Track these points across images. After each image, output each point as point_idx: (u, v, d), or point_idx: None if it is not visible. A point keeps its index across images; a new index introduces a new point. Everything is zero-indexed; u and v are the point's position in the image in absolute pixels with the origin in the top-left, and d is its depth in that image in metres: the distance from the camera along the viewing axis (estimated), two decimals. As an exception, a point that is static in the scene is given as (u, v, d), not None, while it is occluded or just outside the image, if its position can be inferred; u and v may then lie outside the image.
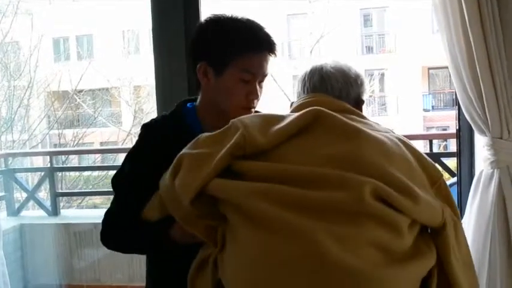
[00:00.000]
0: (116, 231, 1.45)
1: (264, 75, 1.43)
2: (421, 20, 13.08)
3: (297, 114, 1.20)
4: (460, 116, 2.14)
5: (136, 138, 1.50)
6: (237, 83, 1.40)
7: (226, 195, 1.13)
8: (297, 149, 1.15)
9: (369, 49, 16.35)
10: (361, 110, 1.38)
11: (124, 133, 12.63)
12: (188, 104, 1.53)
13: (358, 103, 1.40)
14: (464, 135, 2.18)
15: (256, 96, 1.43)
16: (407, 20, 14.48)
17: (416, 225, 1.14)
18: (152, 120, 1.53)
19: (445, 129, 13.58)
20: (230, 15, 1.44)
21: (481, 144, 1.97)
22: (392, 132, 1.28)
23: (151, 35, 2.24)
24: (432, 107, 16.58)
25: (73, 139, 11.25)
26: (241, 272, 1.10)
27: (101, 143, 13.08)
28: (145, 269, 1.57)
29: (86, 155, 11.24)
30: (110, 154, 11.39)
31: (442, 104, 16.38)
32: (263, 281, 1.06)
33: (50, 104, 11.49)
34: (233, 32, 1.40)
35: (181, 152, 1.21)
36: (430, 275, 1.15)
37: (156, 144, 1.42)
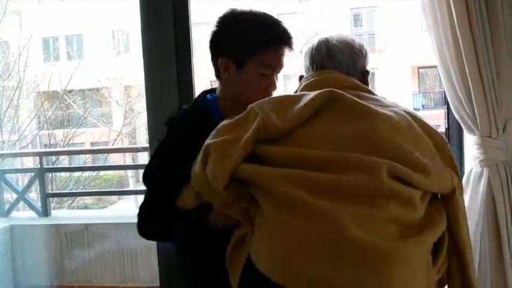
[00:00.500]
0: (154, 222, 1.50)
1: (281, 68, 1.51)
2: (411, 20, 13.13)
3: (311, 96, 1.27)
4: (449, 115, 2.15)
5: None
6: (257, 76, 1.48)
7: (255, 179, 1.20)
8: (314, 132, 1.23)
9: (359, 48, 16.40)
10: (367, 80, 1.48)
11: (115, 133, 12.59)
12: (208, 96, 1.61)
13: (364, 74, 1.48)
14: (454, 134, 2.20)
15: (275, 88, 1.51)
16: (397, 20, 14.53)
17: (428, 195, 1.22)
18: (176, 114, 1.58)
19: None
20: (248, 10, 1.49)
21: (470, 143, 1.98)
22: (398, 106, 1.36)
23: (141, 35, 2.24)
24: (422, 106, 16.63)
25: (63, 139, 11.19)
26: (268, 250, 1.18)
27: (92, 143, 13.02)
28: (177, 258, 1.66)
29: (77, 155, 11.20)
30: (100, 154, 11.35)
31: (432, 103, 16.43)
32: (290, 258, 1.14)
33: (40, 104, 11.41)
34: (253, 28, 1.46)
35: (206, 142, 1.27)
36: (441, 238, 1.24)
37: (183, 137, 1.48)
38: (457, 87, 1.88)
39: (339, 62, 1.42)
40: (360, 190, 1.14)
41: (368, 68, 1.49)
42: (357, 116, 1.24)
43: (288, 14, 15.54)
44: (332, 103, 1.26)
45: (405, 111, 1.32)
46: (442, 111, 2.30)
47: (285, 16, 15.79)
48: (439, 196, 1.29)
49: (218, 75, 1.55)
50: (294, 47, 1.50)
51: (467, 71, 1.83)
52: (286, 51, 1.49)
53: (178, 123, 1.54)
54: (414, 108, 16.14)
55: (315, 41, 1.48)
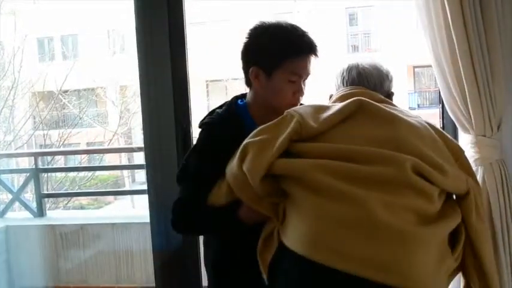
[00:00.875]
0: (187, 216, 1.65)
1: (308, 75, 1.64)
2: (407, 19, 13.16)
3: (342, 103, 1.44)
4: (444, 114, 2.16)
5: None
6: (285, 83, 1.60)
7: (290, 171, 1.34)
8: (343, 133, 1.39)
9: (355, 48, 16.40)
10: (392, 100, 1.61)
11: (110, 133, 12.57)
12: (239, 101, 1.72)
13: (389, 95, 1.63)
14: (448, 133, 2.19)
15: (302, 94, 1.64)
16: (393, 19, 14.55)
17: (443, 193, 1.38)
18: (210, 119, 1.70)
19: (430, 127, 13.66)
20: (276, 22, 1.63)
21: (465, 142, 1.99)
22: (420, 118, 1.50)
23: (136, 35, 2.24)
24: (418, 105, 16.66)
25: (59, 139, 11.17)
26: (303, 231, 1.30)
27: (87, 143, 13.00)
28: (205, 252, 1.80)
29: (72, 155, 11.18)
30: (96, 154, 11.33)
31: (427, 103, 16.46)
32: (325, 237, 1.26)
33: (35, 104, 11.38)
34: (281, 39, 1.59)
35: (245, 141, 1.42)
36: (458, 231, 1.39)
37: (218, 141, 1.60)
38: (451, 87, 1.89)
39: (368, 82, 1.59)
40: (384, 179, 1.29)
41: (393, 90, 1.66)
42: (382, 121, 1.41)
43: (283, 14, 15.57)
44: (361, 110, 1.42)
45: (427, 122, 1.47)
46: (437, 111, 2.31)
47: (279, 16, 15.77)
48: (454, 197, 1.44)
49: (248, 83, 1.67)
50: (319, 54, 1.63)
51: (461, 71, 1.83)
52: (312, 59, 1.62)
53: (214, 128, 1.66)
54: (410, 108, 16.17)
55: (345, 65, 1.65)
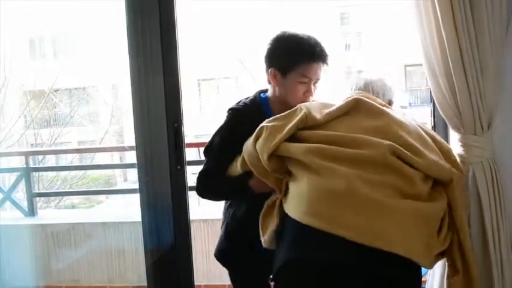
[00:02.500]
0: (209, 184, 1.98)
1: (318, 79, 1.93)
2: (398, 18, 13.19)
3: (343, 101, 1.77)
4: (435, 112, 2.17)
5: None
6: (297, 84, 1.90)
7: (290, 153, 1.65)
8: (342, 124, 1.70)
9: (347, 47, 16.44)
10: (391, 107, 1.91)
11: (102, 132, 12.53)
12: (262, 95, 2.03)
13: (390, 103, 1.93)
14: (439, 132, 2.21)
15: (311, 94, 1.93)
16: (384, 18, 14.59)
17: (430, 179, 1.61)
18: (237, 105, 2.01)
19: (422, 126, 13.70)
20: (295, 33, 1.93)
21: (456, 141, 2.00)
22: (414, 120, 1.78)
23: (127, 34, 2.23)
24: (409, 103, 16.72)
25: (50, 138, 11.11)
26: (301, 201, 1.59)
27: (79, 142, 12.94)
28: (225, 216, 2.09)
29: (64, 154, 11.12)
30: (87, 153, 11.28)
31: (419, 101, 16.52)
32: (316, 206, 1.55)
33: (26, 103, 11.32)
34: (295, 47, 1.90)
35: (261, 125, 1.74)
36: (443, 218, 1.63)
37: (240, 125, 1.92)
38: (442, 86, 1.90)
39: (372, 89, 1.91)
40: (367, 160, 1.56)
41: (394, 100, 1.97)
42: (374, 116, 1.71)
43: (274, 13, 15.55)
44: (358, 106, 1.74)
45: (418, 125, 1.75)
46: (429, 109, 2.32)
47: (272, 14, 15.77)
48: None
49: (268, 81, 1.98)
50: (328, 62, 1.93)
51: (451, 69, 1.84)
52: (321, 65, 1.91)
53: (239, 114, 1.98)
54: (401, 106, 16.21)
55: (356, 77, 2.00)
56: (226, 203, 2.11)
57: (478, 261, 1.93)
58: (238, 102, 2.04)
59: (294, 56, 1.89)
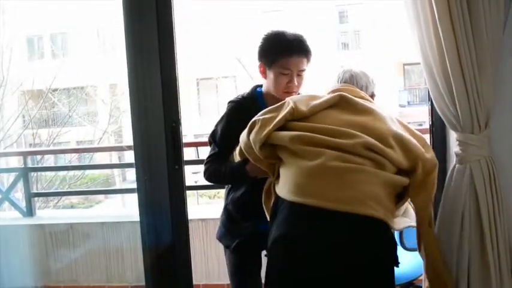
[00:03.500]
0: (212, 170, 2.20)
1: (300, 70, 2.13)
2: (396, 16, 13.20)
3: (329, 95, 1.95)
4: (433, 111, 2.17)
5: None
6: (279, 75, 2.12)
7: (278, 141, 1.85)
8: (326, 117, 1.88)
9: (345, 45, 16.45)
10: (374, 100, 2.09)
11: (100, 131, 12.52)
12: (258, 89, 2.27)
13: (372, 95, 2.11)
14: (437, 131, 2.21)
15: (293, 84, 2.13)
16: (383, 16, 14.60)
17: (395, 166, 1.79)
18: (237, 98, 2.25)
19: (420, 125, 13.70)
20: (280, 30, 2.16)
21: (453, 139, 2.00)
22: (391, 114, 1.93)
23: (124, 33, 2.23)
24: (408, 102, 16.74)
25: (48, 138, 11.10)
26: (287, 181, 1.81)
27: (77, 142, 12.94)
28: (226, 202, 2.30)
29: (62, 154, 11.11)
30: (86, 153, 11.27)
31: (417, 100, 16.54)
32: (302, 182, 1.76)
33: (24, 103, 11.31)
34: (276, 42, 2.14)
35: (254, 118, 1.92)
36: (404, 194, 1.85)
37: (239, 115, 2.13)
38: (439, 84, 1.90)
39: (356, 83, 2.07)
40: (341, 147, 1.76)
41: (376, 93, 2.15)
42: (357, 111, 1.89)
43: (272, 12, 15.57)
44: (341, 101, 1.92)
45: (395, 118, 1.92)
46: (426, 108, 2.32)
47: (269, 14, 15.82)
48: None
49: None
50: (308, 55, 2.14)
51: (449, 68, 1.84)
52: (302, 58, 2.12)
53: (239, 106, 2.22)
54: (400, 105, 16.23)
55: (343, 68, 2.13)
56: (227, 188, 2.31)
57: (474, 260, 1.94)
58: (237, 96, 2.28)
59: (275, 50, 2.12)
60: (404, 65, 16.22)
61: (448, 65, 1.83)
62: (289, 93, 2.12)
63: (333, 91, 1.99)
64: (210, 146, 2.25)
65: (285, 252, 1.73)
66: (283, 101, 1.94)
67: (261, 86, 2.27)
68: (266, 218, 2.00)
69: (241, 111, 2.17)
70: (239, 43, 12.46)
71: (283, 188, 1.82)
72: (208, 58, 14.04)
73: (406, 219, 1.92)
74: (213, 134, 2.23)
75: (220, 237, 2.32)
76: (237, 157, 2.12)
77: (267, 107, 1.99)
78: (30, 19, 12.56)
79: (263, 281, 1.99)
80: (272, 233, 1.80)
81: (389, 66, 15.56)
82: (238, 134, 2.01)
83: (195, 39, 15.49)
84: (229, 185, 2.29)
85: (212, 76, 14.32)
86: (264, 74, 2.18)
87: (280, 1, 14.72)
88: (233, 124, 2.14)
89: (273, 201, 1.92)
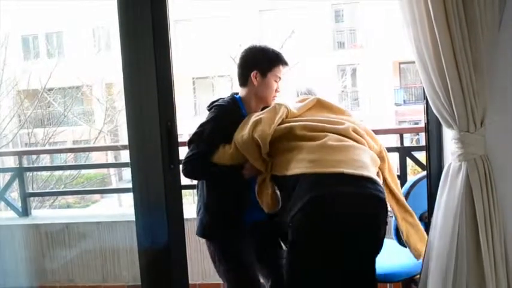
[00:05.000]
0: (198, 167, 2.39)
1: (281, 78, 2.49)
2: (392, 15, 13.21)
3: (308, 100, 2.45)
4: (428, 110, 2.17)
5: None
6: (273, 82, 2.47)
7: (286, 130, 2.25)
8: (311, 115, 2.35)
9: (341, 44, 16.46)
10: None
11: (96, 131, 12.50)
12: (236, 96, 2.53)
13: None
14: (433, 129, 2.22)
15: (279, 91, 2.50)
16: (378, 15, 14.61)
17: (371, 149, 2.30)
18: (222, 103, 2.49)
19: (416, 123, 13.74)
20: (263, 44, 2.52)
21: (449, 138, 2.00)
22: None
23: (119, 32, 2.22)
24: (404, 101, 16.77)
25: (44, 138, 11.08)
26: (288, 159, 2.19)
27: (74, 141, 12.91)
28: (203, 202, 2.48)
29: (58, 153, 11.08)
30: (82, 152, 11.24)
31: (413, 98, 16.57)
32: (316, 157, 2.13)
33: (20, 102, 11.28)
34: (270, 54, 2.47)
35: (253, 118, 2.31)
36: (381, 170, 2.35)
37: (226, 117, 2.41)
38: (434, 83, 1.90)
39: (311, 93, 2.59)
40: (337, 131, 2.23)
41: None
42: (332, 111, 2.42)
43: (269, 11, 15.58)
44: (318, 104, 2.44)
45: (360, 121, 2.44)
46: (422, 106, 2.32)
47: (266, 13, 15.81)
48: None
49: (244, 84, 2.51)
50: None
51: (444, 66, 1.84)
52: (286, 68, 2.50)
53: (224, 110, 2.44)
54: (396, 104, 16.26)
55: (300, 84, 2.67)
56: (202, 185, 2.51)
57: (469, 259, 1.95)
58: (218, 100, 2.54)
59: (271, 60, 2.46)
60: (400, 63, 16.25)
61: (443, 63, 1.83)
62: (274, 98, 2.50)
63: (301, 100, 2.48)
64: (190, 145, 2.41)
65: (322, 208, 2.04)
66: (273, 105, 2.38)
67: (237, 93, 2.56)
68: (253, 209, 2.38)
69: (229, 114, 2.44)
70: (235, 42, 12.43)
71: (296, 167, 2.13)
72: (204, 57, 14.03)
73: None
74: (199, 134, 2.39)
75: (204, 233, 2.52)
76: (224, 156, 2.35)
77: (246, 111, 2.47)
78: (26, 18, 12.53)
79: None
80: (299, 199, 2.05)
81: (385, 64, 15.59)
82: (225, 135, 2.34)
83: (192, 38, 15.47)
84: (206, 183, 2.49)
85: (208, 75, 14.30)
86: (256, 80, 2.45)
87: (276, 0, 14.71)
88: (223, 125, 2.39)
89: (272, 190, 2.31)
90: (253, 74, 2.45)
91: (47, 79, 10.98)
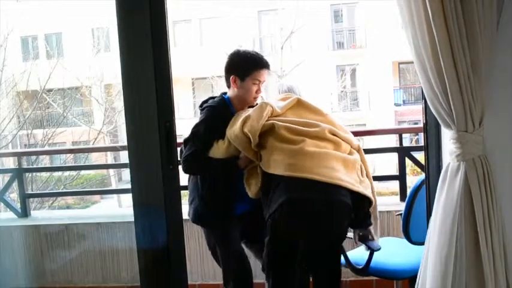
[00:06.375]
0: (197, 164, 2.66)
1: (264, 81, 2.70)
2: (391, 15, 13.20)
3: (289, 100, 2.68)
4: (426, 110, 2.17)
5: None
6: (252, 86, 2.67)
7: (265, 128, 2.52)
8: (292, 115, 2.62)
9: (340, 44, 16.46)
10: None
11: (96, 132, 12.50)
12: (224, 96, 2.75)
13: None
14: (432, 129, 2.21)
15: (260, 92, 2.71)
16: (377, 15, 14.61)
17: (349, 145, 2.61)
18: (213, 103, 2.72)
19: (416, 123, 13.75)
20: (246, 49, 2.76)
21: (447, 138, 2.00)
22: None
23: (118, 33, 2.22)
24: (403, 101, 16.76)
25: (43, 139, 11.07)
26: (282, 162, 2.44)
27: (73, 142, 12.90)
28: (197, 194, 2.74)
29: (57, 154, 11.07)
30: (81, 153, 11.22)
31: (412, 99, 16.56)
32: (291, 162, 2.42)
33: (19, 103, 11.27)
34: (249, 59, 2.68)
35: (244, 115, 2.57)
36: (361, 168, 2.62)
37: (218, 115, 2.66)
38: (433, 83, 1.90)
39: (294, 91, 2.83)
40: (314, 134, 2.51)
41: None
42: (310, 110, 2.68)
43: (268, 11, 15.57)
44: (298, 103, 2.69)
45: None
46: (421, 106, 2.31)
47: (265, 13, 15.79)
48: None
49: (228, 86, 2.73)
50: (271, 69, 2.76)
51: (443, 67, 1.84)
52: (267, 71, 2.70)
53: (215, 110, 2.67)
54: (395, 104, 16.26)
55: (280, 83, 2.94)
56: (196, 178, 2.74)
57: (468, 258, 1.95)
58: (208, 100, 2.77)
59: (248, 65, 2.65)
60: (399, 63, 16.25)
61: (442, 63, 1.83)
62: (255, 99, 2.71)
63: (283, 98, 2.72)
64: (187, 144, 2.66)
65: (294, 210, 2.39)
66: (259, 104, 2.61)
67: (225, 93, 2.77)
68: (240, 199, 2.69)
69: (219, 113, 2.66)
70: (235, 43, 12.42)
71: (277, 167, 2.45)
72: (203, 58, 14.03)
73: (369, 190, 2.57)
74: (195, 134, 2.64)
75: (199, 220, 2.78)
76: (218, 151, 2.62)
77: (235, 110, 2.71)
78: (25, 19, 12.51)
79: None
80: (275, 199, 2.40)
81: (385, 65, 15.59)
82: (218, 132, 2.62)
83: (191, 39, 15.47)
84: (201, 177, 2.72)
85: (207, 76, 14.29)
86: (235, 84, 2.68)
87: (275, 0, 14.70)
88: (215, 124, 2.63)
89: (260, 179, 2.56)
90: (232, 78, 2.68)
91: (46, 80, 10.98)
